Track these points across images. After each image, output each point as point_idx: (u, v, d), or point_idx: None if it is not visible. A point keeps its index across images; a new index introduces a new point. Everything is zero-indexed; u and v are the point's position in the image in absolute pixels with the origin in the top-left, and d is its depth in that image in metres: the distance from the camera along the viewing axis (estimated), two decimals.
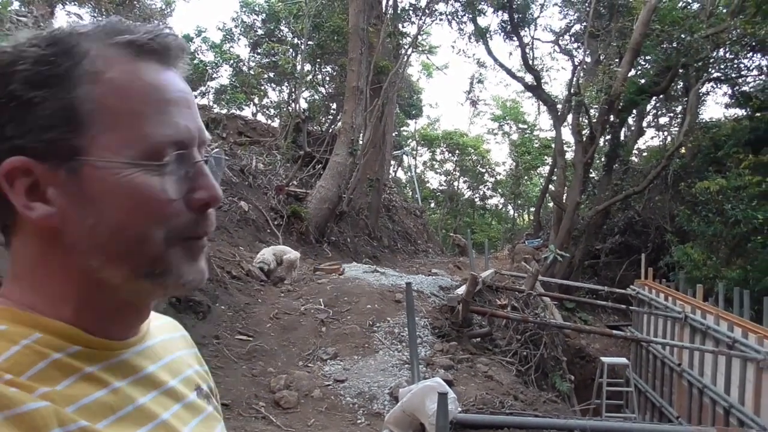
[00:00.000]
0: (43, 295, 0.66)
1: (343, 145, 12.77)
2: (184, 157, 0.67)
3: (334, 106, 20.08)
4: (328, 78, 20.34)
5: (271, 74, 19.67)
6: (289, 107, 17.98)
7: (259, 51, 19.71)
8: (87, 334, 0.66)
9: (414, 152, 33.92)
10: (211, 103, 19.61)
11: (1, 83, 0.62)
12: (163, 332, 0.83)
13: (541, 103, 22.12)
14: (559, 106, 19.54)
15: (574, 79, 17.98)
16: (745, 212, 13.24)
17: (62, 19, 15.31)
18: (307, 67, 18.85)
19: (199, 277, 0.70)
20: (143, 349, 0.74)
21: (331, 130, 17.58)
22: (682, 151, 18.13)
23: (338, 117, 18.23)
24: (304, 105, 18.90)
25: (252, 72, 19.27)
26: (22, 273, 0.67)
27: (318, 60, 18.68)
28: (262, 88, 20.40)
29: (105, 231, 0.63)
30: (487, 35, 19.54)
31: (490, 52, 19.77)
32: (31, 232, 0.65)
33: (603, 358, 10.96)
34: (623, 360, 11.21)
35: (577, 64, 19.33)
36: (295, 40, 18.26)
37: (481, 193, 34.91)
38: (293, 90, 18.09)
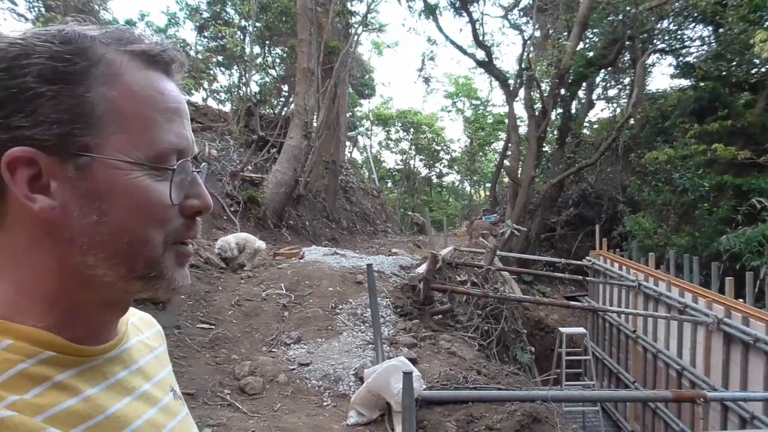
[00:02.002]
0: (24, 291, 0.66)
1: (296, 128, 12.58)
2: (184, 165, 0.71)
3: (286, 88, 19.73)
4: (278, 60, 19.95)
5: (220, 58, 19.14)
6: (240, 91, 17.58)
7: (205, 34, 19.13)
8: (61, 338, 0.66)
9: (369, 132, 33.80)
10: None
11: (9, 74, 0.62)
12: (139, 331, 0.84)
13: (493, 78, 22.25)
14: (511, 82, 19.71)
15: (525, 53, 18.16)
16: (692, 181, 13.69)
17: None
18: (257, 49, 18.43)
19: (186, 282, 0.73)
20: (119, 354, 0.74)
21: (284, 113, 17.30)
22: (631, 122, 18.57)
23: (290, 99, 17.95)
24: (255, 88, 18.53)
25: (200, 56, 18.72)
26: (3, 268, 0.66)
27: (267, 42, 18.29)
28: (211, 72, 19.86)
29: (107, 229, 0.65)
30: (437, 11, 19.49)
31: (440, 29, 19.79)
32: (24, 224, 0.64)
33: (561, 329, 11.23)
34: (581, 329, 11.51)
35: (526, 38, 19.51)
36: (243, 23, 17.81)
37: (438, 170, 35.15)
38: (243, 73, 17.68)
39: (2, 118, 0.61)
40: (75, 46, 0.65)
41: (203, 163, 0.77)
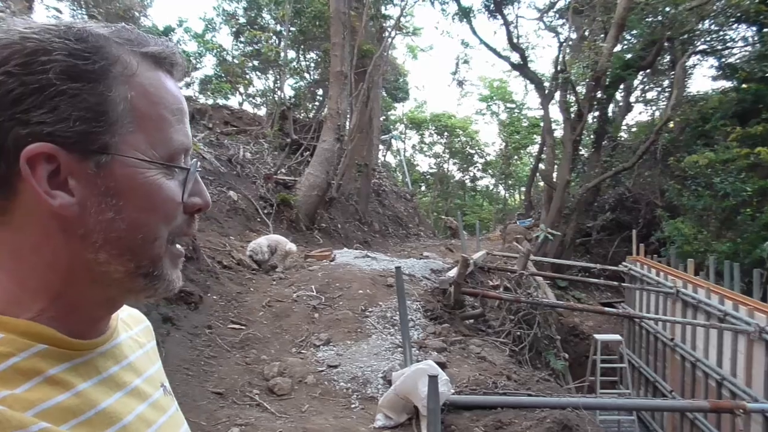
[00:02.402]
0: (26, 286, 0.66)
1: (329, 131, 12.67)
2: (194, 164, 0.74)
3: (320, 92, 19.91)
4: (312, 64, 20.14)
5: (255, 62, 19.43)
6: (275, 95, 17.80)
7: (241, 39, 19.44)
8: (56, 332, 0.66)
9: (402, 136, 33.81)
10: (196, 94, 19.40)
11: (27, 70, 0.62)
12: (129, 327, 0.84)
13: (528, 81, 22.03)
14: (546, 84, 19.48)
15: (560, 56, 17.90)
16: (733, 185, 13.28)
17: (41, 13, 15.07)
18: (291, 53, 18.66)
19: (179, 283, 0.75)
20: (110, 348, 0.75)
21: (317, 117, 17.44)
22: (671, 125, 18.14)
23: (324, 103, 18.09)
24: (289, 92, 18.75)
25: (236, 61, 19.03)
26: (5, 262, 0.66)
27: (301, 46, 18.49)
28: (247, 76, 20.17)
29: (122, 226, 0.66)
30: (471, 14, 19.40)
31: (474, 32, 19.70)
32: (38, 220, 0.64)
33: (596, 335, 11.03)
34: (616, 336, 11.28)
35: (562, 40, 19.25)
36: (278, 27, 18.04)
37: (472, 174, 34.91)
38: (278, 77, 17.89)
39: (21, 113, 0.62)
40: (90, 44, 0.66)
41: (194, 159, 0.77)
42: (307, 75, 20.02)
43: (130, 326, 0.84)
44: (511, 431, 4.20)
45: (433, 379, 2.70)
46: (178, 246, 0.74)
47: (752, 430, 7.91)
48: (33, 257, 0.65)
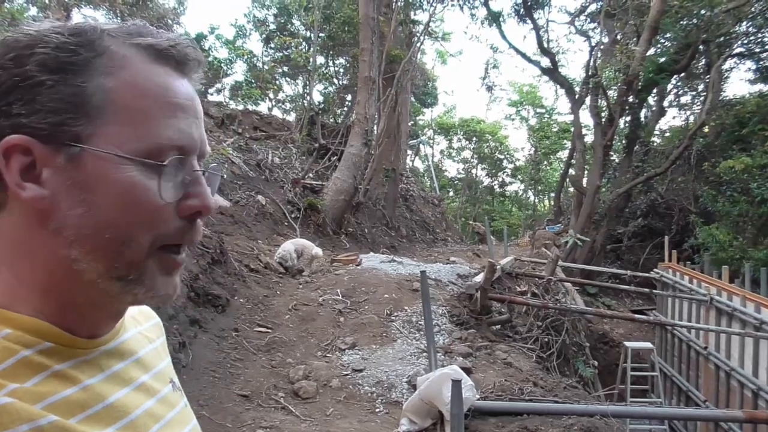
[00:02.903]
0: (22, 280, 0.66)
1: (357, 136, 12.73)
2: (184, 163, 0.68)
3: (349, 97, 20.03)
4: (341, 70, 20.30)
5: (285, 68, 19.67)
6: (304, 100, 17.97)
7: (271, 45, 19.71)
8: (59, 329, 0.66)
9: (431, 141, 33.76)
10: (227, 100, 19.70)
11: (17, 63, 0.62)
12: (138, 323, 0.83)
13: (558, 86, 21.82)
14: (577, 89, 19.26)
15: (591, 60, 17.69)
16: None
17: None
18: (320, 59, 18.83)
19: (171, 292, 0.70)
20: (116, 346, 0.74)
21: (345, 122, 17.55)
22: (705, 129, 17.76)
23: (352, 108, 18.19)
24: (318, 98, 18.91)
25: (266, 67, 19.28)
26: (3, 255, 0.66)
27: (330, 52, 18.65)
28: (277, 82, 20.41)
29: (91, 223, 0.63)
30: (500, 19, 19.31)
31: (504, 37, 19.58)
32: (19, 212, 0.64)
33: (627, 343, 10.84)
34: (648, 344, 11.07)
35: (593, 44, 19.03)
36: (307, 33, 18.23)
37: (500, 179, 34.66)
38: (307, 83, 18.06)
39: (6, 105, 0.62)
40: (82, 38, 0.65)
41: (212, 164, 0.74)
42: (335, 80, 20.18)
43: (140, 322, 0.84)
44: None
45: (456, 384, 2.68)
46: (178, 256, 0.70)
47: None
48: (22, 250, 0.65)
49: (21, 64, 0.62)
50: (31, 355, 0.62)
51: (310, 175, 13.68)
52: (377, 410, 5.16)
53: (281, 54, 19.33)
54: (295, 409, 5.04)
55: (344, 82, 20.14)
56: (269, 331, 6.58)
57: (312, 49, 17.46)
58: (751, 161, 13.84)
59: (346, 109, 20.44)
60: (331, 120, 18.75)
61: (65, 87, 0.62)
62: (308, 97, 17.05)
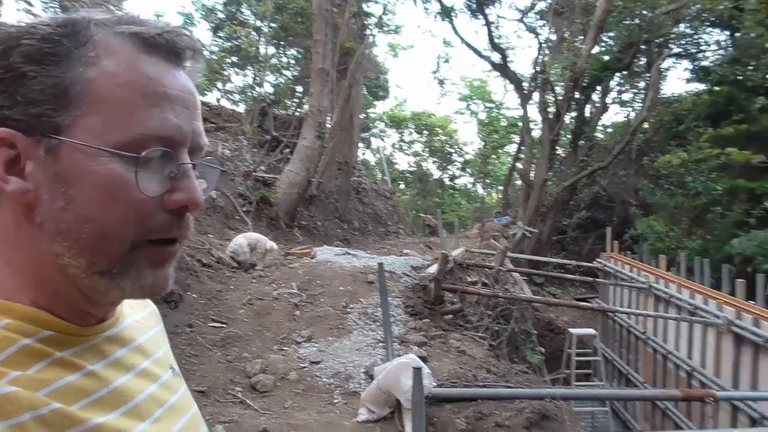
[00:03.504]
0: (18, 270, 0.66)
1: (310, 129, 12.69)
2: (170, 156, 0.65)
3: (300, 89, 19.87)
4: (293, 61, 20.10)
5: (234, 58, 19.34)
6: (254, 91, 17.75)
7: (220, 35, 19.33)
8: (58, 318, 0.66)
9: (382, 134, 33.88)
10: None
11: (3, 56, 0.62)
12: (135, 311, 0.83)
13: (507, 81, 22.23)
14: (525, 85, 19.69)
15: (540, 56, 18.13)
16: (705, 184, 13.65)
17: (10, 5, 14.88)
18: (271, 50, 18.61)
19: (163, 284, 0.68)
20: (117, 333, 0.74)
21: (297, 114, 17.43)
22: (645, 126, 18.50)
23: (304, 100, 18.07)
24: (269, 89, 18.69)
25: (214, 57, 18.93)
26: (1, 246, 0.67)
27: (282, 43, 18.44)
28: (226, 72, 20.07)
29: (71, 217, 0.62)
30: (453, 14, 19.54)
31: (456, 31, 19.84)
32: (8, 206, 0.65)
33: (571, 330, 11.24)
34: (591, 330, 11.52)
35: (542, 41, 19.49)
36: (258, 23, 17.97)
37: (450, 172, 35.08)
38: (257, 74, 17.84)
39: None
40: (69, 29, 0.64)
41: (209, 157, 0.74)
42: (287, 72, 19.99)
43: (137, 310, 0.84)
44: (492, 422, 4.33)
45: (417, 371, 2.79)
46: (171, 247, 0.68)
47: (720, 417, 8.20)
48: (15, 242, 0.65)
49: (6, 57, 0.62)
50: (32, 344, 0.62)
51: (262, 167, 13.56)
52: (335, 401, 5.23)
53: (231, 44, 18.99)
54: (253, 403, 5.06)
55: (295, 73, 19.97)
56: (224, 326, 6.54)
57: (263, 39, 17.25)
58: (687, 156, 14.54)
59: (297, 101, 20.28)
60: (283, 112, 18.58)
61: (46, 78, 0.62)
62: (259, 88, 16.84)
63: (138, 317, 0.83)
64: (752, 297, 9.03)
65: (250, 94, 18.78)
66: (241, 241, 8.80)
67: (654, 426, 10.27)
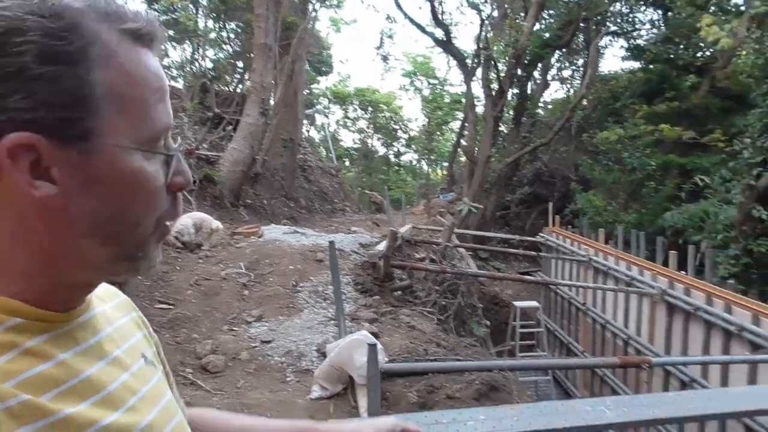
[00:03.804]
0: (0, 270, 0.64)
1: (254, 105, 12.41)
2: (168, 143, 0.71)
3: (241, 64, 19.38)
4: (233, 35, 19.53)
5: (171, 32, 18.61)
6: (193, 67, 17.18)
7: (155, 7, 18.53)
8: (29, 306, 0.64)
9: (326, 110, 33.56)
10: None
11: (14, 54, 0.59)
12: (104, 300, 0.82)
13: (451, 58, 22.38)
14: (469, 61, 19.85)
15: (482, 33, 18.28)
16: (640, 160, 14.22)
17: None
18: (210, 23, 18.02)
19: (160, 260, 0.74)
20: (88, 320, 0.73)
21: (239, 90, 17.01)
22: (584, 103, 19.04)
23: (246, 76, 17.65)
24: (209, 64, 18.14)
25: None
26: None
27: (222, 16, 17.86)
28: (162, 47, 19.30)
29: (106, 213, 0.64)
30: None
31: (399, 6, 19.77)
32: (13, 209, 0.62)
33: (516, 303, 11.58)
34: (534, 303, 11.90)
35: (484, 18, 19.63)
36: None
37: (395, 149, 35.20)
38: (196, 49, 17.25)
39: None
40: (65, 22, 0.62)
41: (178, 140, 0.77)
42: (227, 46, 19.42)
43: (105, 300, 0.82)
44: (443, 394, 4.43)
45: (372, 347, 2.82)
46: (167, 223, 0.72)
47: (654, 382, 8.68)
48: (7, 243, 0.64)
49: (8, 54, 0.59)
50: (1, 334, 0.61)
51: (205, 145, 13.21)
52: (288, 379, 5.23)
53: (167, 17, 18.25)
54: (205, 383, 5.00)
55: (236, 48, 19.43)
56: (171, 307, 6.40)
57: (201, 12, 16.67)
58: (623, 132, 15.09)
59: (239, 76, 19.78)
60: (224, 88, 18.09)
61: (69, 80, 0.61)
62: (201, 62, 16.32)
63: (107, 307, 0.81)
64: (684, 267, 9.54)
65: (189, 69, 18.18)
66: (186, 221, 8.57)
67: (593, 392, 10.77)
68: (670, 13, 16.87)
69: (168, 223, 0.73)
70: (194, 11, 17.19)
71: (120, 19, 0.66)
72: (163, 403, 0.79)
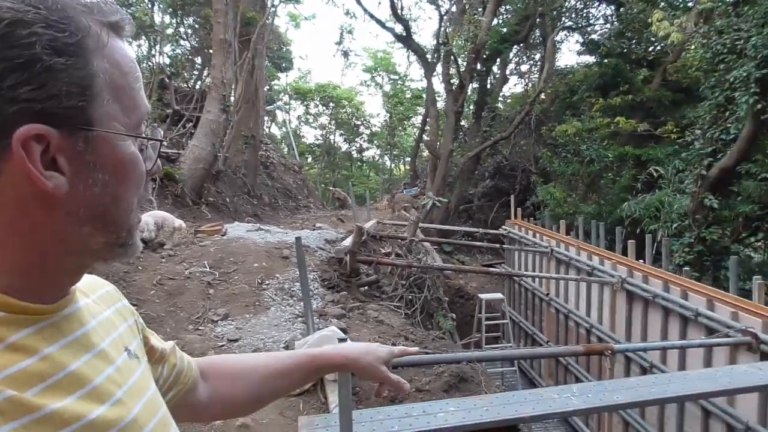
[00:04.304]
0: None
1: (214, 102, 12.22)
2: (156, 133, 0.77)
3: (199, 60, 19.05)
4: (191, 31, 19.17)
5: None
6: (150, 63, 16.79)
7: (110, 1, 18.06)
8: (14, 299, 0.64)
9: (287, 106, 33.24)
10: None
11: (7, 43, 0.59)
12: (86, 294, 0.82)
13: (411, 53, 22.46)
14: (429, 56, 19.94)
15: (442, 28, 18.39)
16: (597, 152, 14.54)
17: None
18: (167, 19, 17.65)
19: (141, 247, 0.78)
20: (73, 312, 0.73)
21: (199, 86, 16.71)
22: (542, 96, 19.36)
23: (205, 72, 17.35)
24: (166, 60, 17.77)
25: None
26: None
27: (179, 11, 17.51)
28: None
29: (106, 199, 0.67)
30: None
31: (358, 2, 19.77)
32: (14, 199, 0.62)
33: (481, 295, 11.73)
34: (499, 295, 12.07)
35: (443, 13, 19.75)
36: None
37: (358, 145, 35.13)
38: (153, 44, 16.87)
39: (6, 89, 0.59)
40: (61, 14, 0.63)
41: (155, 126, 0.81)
42: (185, 42, 19.06)
43: (87, 294, 0.83)
44: (413, 387, 4.47)
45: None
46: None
47: (616, 369, 8.93)
48: (4, 233, 0.64)
49: (16, 45, 0.59)
50: None
51: (165, 143, 12.93)
52: None
53: (123, 11, 17.78)
54: None
55: (194, 43, 19.08)
56: (134, 307, 6.28)
57: (157, 7, 16.31)
58: (581, 125, 15.40)
59: (197, 72, 19.44)
60: (183, 84, 17.75)
61: (75, 71, 0.63)
62: (159, 59, 15.97)
63: (89, 300, 0.81)
64: (642, 256, 9.82)
65: (146, 65, 17.77)
66: (147, 219, 8.40)
67: (558, 381, 11.01)
68: (622, 9, 17.26)
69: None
70: (150, 6, 16.81)
71: (101, 12, 0.69)
72: (149, 396, 0.80)
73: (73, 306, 0.74)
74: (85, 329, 0.74)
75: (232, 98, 13.44)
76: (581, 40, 20.47)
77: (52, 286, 0.70)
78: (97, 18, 0.68)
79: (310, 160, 33.47)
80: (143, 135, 0.72)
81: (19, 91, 0.60)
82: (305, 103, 34.06)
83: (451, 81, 17.66)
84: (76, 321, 0.73)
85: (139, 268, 7.40)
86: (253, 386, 1.14)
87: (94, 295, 0.85)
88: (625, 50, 16.82)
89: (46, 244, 0.66)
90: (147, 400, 0.78)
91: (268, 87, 25.84)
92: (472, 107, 19.79)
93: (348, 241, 8.23)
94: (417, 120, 30.26)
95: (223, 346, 5.65)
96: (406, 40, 19.47)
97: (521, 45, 20.61)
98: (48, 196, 0.63)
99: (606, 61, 17.09)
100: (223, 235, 8.98)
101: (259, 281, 7.10)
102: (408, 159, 29.22)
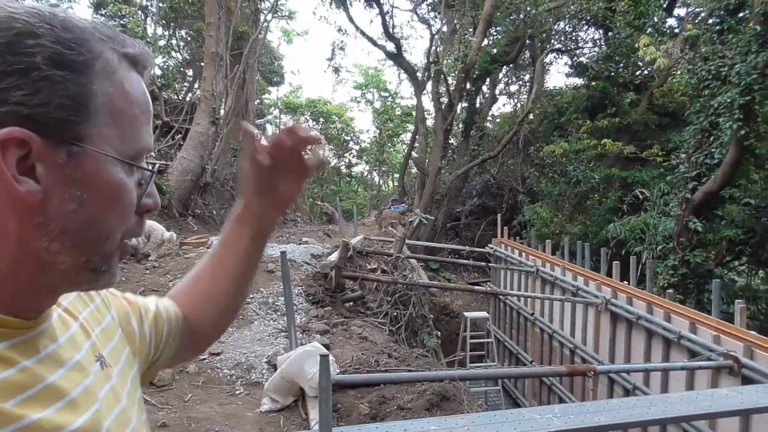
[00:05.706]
0: None
1: (204, 114, 12.23)
2: (153, 166, 0.76)
3: (191, 72, 19.07)
4: (182, 43, 19.22)
5: None
6: None
7: (103, 12, 18.08)
8: None
9: (277, 121, 33.26)
10: None
11: (11, 50, 0.61)
12: (57, 304, 0.80)
13: (402, 71, 22.61)
14: (419, 75, 20.09)
15: (432, 47, 18.56)
16: (584, 173, 14.68)
17: None
18: (160, 30, 17.67)
19: (119, 278, 0.76)
20: (48, 327, 0.73)
21: (189, 98, 16.70)
22: (531, 117, 19.55)
23: (196, 84, 17.36)
24: (157, 71, 17.75)
25: None
26: None
27: (172, 24, 17.56)
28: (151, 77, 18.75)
29: (81, 218, 0.66)
30: (348, 2, 19.52)
31: (351, 19, 19.83)
32: None
33: (466, 313, 11.69)
34: (483, 314, 12.05)
35: (434, 33, 19.96)
36: (145, 2, 16.99)
37: (347, 161, 35.21)
38: None
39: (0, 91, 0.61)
40: (75, 35, 0.65)
41: (155, 162, 0.81)
42: (177, 54, 19.09)
43: (60, 302, 0.81)
44: (395, 405, 4.44)
45: (324, 358, 2.81)
46: (126, 242, 0.75)
47: (599, 390, 8.93)
48: None
49: (19, 53, 0.61)
50: None
51: (153, 154, 12.87)
52: (237, 392, 5.14)
53: (115, 23, 17.81)
54: (151, 398, 4.86)
55: (186, 56, 19.12)
56: None
57: (150, 19, 16.34)
58: (568, 146, 15.56)
59: (187, 84, 19.45)
60: (173, 96, 17.74)
61: (73, 86, 0.64)
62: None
63: (60, 310, 0.80)
64: (626, 277, 9.88)
65: None
66: None
67: (541, 402, 10.98)
68: (610, 33, 17.57)
69: (127, 241, 0.75)
70: (143, 17, 16.85)
71: (121, 44, 0.71)
72: (121, 407, 0.81)
73: (48, 322, 0.74)
74: (58, 344, 0.74)
75: (222, 111, 13.44)
76: (570, 62, 20.77)
77: (28, 303, 0.69)
78: (114, 47, 0.70)
79: None
80: (137, 166, 0.72)
81: (11, 94, 0.61)
82: (295, 117, 34.07)
83: (441, 99, 17.78)
84: (49, 337, 0.73)
85: (123, 279, 7.32)
86: (218, 289, 1.11)
87: (65, 302, 0.84)
88: (612, 74, 17.08)
89: (18, 256, 0.65)
90: (119, 411, 0.79)
91: (258, 101, 25.88)
92: (461, 126, 19.91)
93: (334, 257, 8.21)
94: (406, 137, 30.41)
95: (204, 359, 5.59)
96: (397, 58, 19.61)
97: (511, 66, 20.84)
98: (20, 201, 0.63)
99: (594, 83, 17.34)
100: (208, 248, 8.93)
101: None
102: (396, 175, 29.32)
